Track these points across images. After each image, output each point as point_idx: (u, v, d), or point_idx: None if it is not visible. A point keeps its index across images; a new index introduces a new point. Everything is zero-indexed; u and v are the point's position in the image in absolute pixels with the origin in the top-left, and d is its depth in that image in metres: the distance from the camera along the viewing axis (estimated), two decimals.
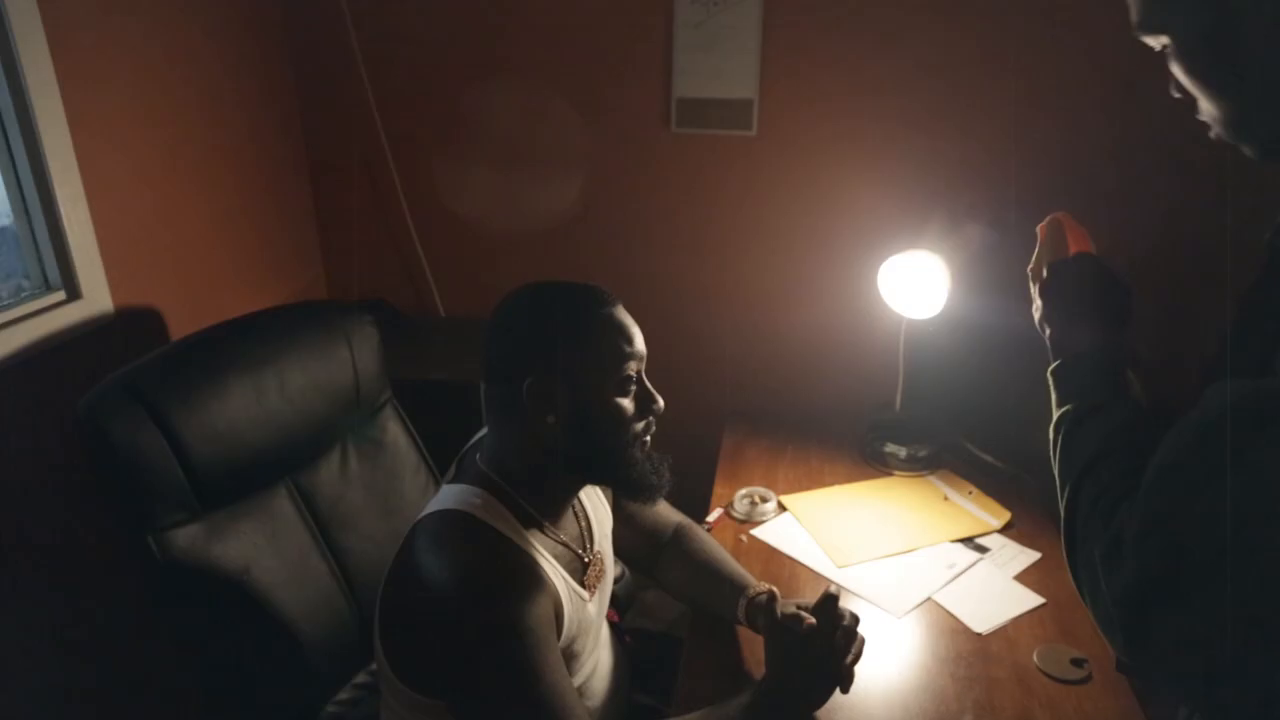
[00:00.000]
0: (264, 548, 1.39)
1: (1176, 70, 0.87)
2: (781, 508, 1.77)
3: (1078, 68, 1.89)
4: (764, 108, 2.05)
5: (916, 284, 1.80)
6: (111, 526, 1.33)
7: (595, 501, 1.38)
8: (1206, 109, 0.87)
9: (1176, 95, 0.89)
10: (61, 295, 1.64)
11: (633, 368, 1.17)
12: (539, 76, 2.13)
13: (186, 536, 1.30)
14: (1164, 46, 0.87)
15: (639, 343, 1.19)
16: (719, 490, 1.84)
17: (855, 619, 1.24)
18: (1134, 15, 0.88)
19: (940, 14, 1.90)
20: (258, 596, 1.35)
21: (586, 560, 1.28)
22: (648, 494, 1.23)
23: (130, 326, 1.75)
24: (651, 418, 1.21)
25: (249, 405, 1.38)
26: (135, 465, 1.25)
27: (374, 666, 1.49)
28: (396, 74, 2.18)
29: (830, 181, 2.07)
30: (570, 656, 1.20)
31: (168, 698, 1.75)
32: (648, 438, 1.22)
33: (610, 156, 2.16)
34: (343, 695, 1.48)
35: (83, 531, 1.62)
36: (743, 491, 1.80)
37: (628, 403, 1.17)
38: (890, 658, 1.38)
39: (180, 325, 1.85)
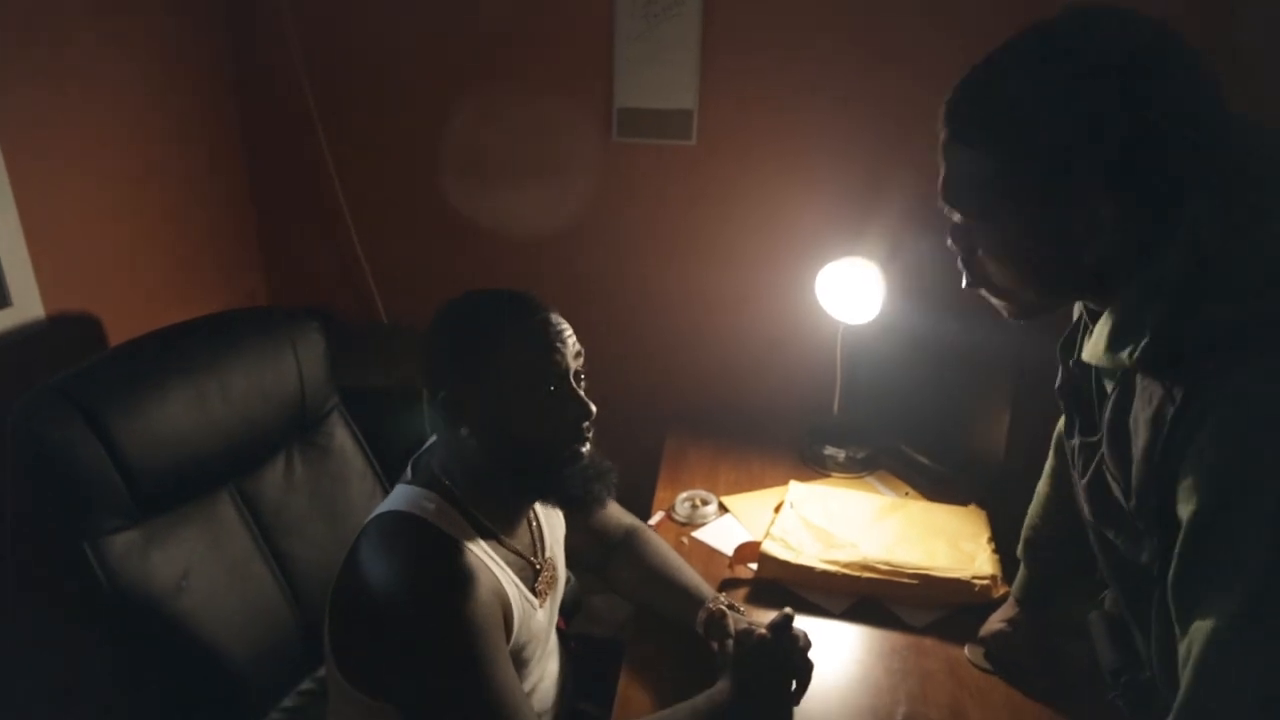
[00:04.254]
0: (205, 555, 1.38)
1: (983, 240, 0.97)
2: (723, 509, 1.80)
3: None
4: (703, 118, 2.09)
5: (853, 290, 1.85)
6: (44, 538, 1.31)
7: (548, 509, 1.39)
8: (1000, 280, 0.98)
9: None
10: None
11: (555, 377, 1.15)
12: (482, 85, 2.14)
13: (124, 544, 1.28)
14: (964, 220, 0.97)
15: (566, 351, 1.16)
16: (661, 494, 1.87)
17: (808, 641, 1.28)
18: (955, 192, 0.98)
19: (875, 31, 1.95)
20: (198, 604, 1.33)
21: (538, 567, 1.29)
22: (579, 506, 1.23)
23: (64, 335, 1.71)
24: (585, 424, 1.18)
25: (190, 411, 1.36)
26: (70, 472, 1.23)
27: (320, 673, 1.49)
28: (339, 80, 2.18)
29: (769, 190, 2.11)
30: (519, 664, 1.21)
31: (104, 710, 1.71)
32: (583, 448, 1.20)
33: (552, 164, 2.18)
34: (287, 703, 1.47)
35: (13, 543, 1.58)
36: (684, 495, 1.83)
37: (552, 414, 1.15)
38: (828, 654, 1.41)
39: (117, 334, 1.82)
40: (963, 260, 1.00)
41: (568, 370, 1.17)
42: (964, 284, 1.01)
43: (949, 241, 1.00)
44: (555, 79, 2.11)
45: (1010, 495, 1.50)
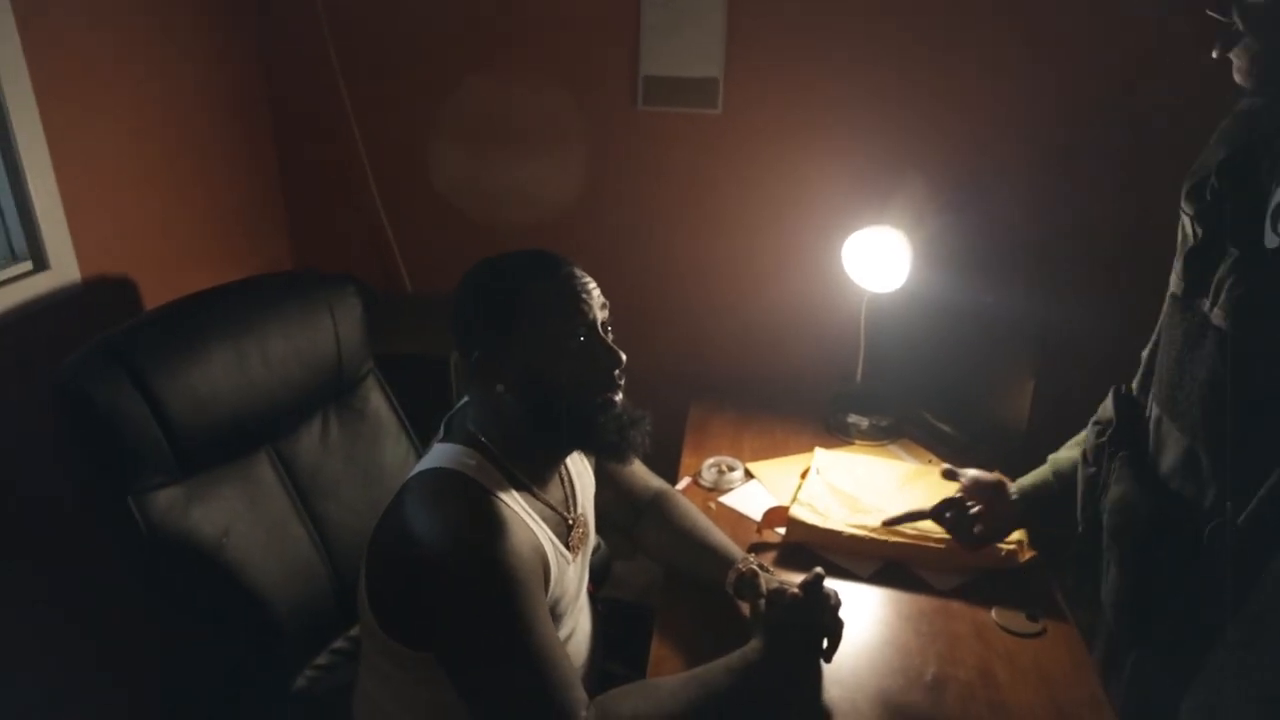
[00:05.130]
0: (243, 513, 1.40)
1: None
2: (748, 475, 1.82)
3: (1046, 42, 1.95)
4: (729, 86, 2.09)
5: (879, 259, 1.85)
6: (87, 494, 1.33)
7: (580, 466, 1.41)
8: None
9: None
10: (28, 266, 1.62)
11: (582, 329, 1.18)
12: (507, 52, 2.14)
13: (166, 499, 1.31)
14: None
15: (592, 302, 1.19)
16: (687, 460, 1.88)
17: (838, 600, 1.29)
18: None
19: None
20: (236, 561, 1.36)
21: (570, 522, 1.31)
22: (616, 453, 1.24)
23: (98, 298, 1.73)
24: (617, 372, 1.21)
25: (230, 372, 1.39)
26: (116, 428, 1.26)
27: (352, 633, 1.51)
28: (364, 47, 2.18)
29: (795, 159, 2.12)
30: (554, 618, 1.23)
31: (140, 662, 1.74)
32: (616, 396, 1.22)
33: (577, 132, 2.18)
34: (320, 660, 1.49)
35: (56, 499, 1.61)
36: (710, 460, 1.85)
37: (583, 363, 1.18)
38: (857, 616, 1.43)
39: (151, 297, 1.84)
40: None
41: (595, 320, 1.20)
42: (1215, 50, 0.94)
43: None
44: (580, 48, 2.11)
45: (1033, 463, 1.51)
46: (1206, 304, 0.94)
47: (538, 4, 2.10)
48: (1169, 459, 1.00)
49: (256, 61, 2.22)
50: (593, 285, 1.22)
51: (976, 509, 1.49)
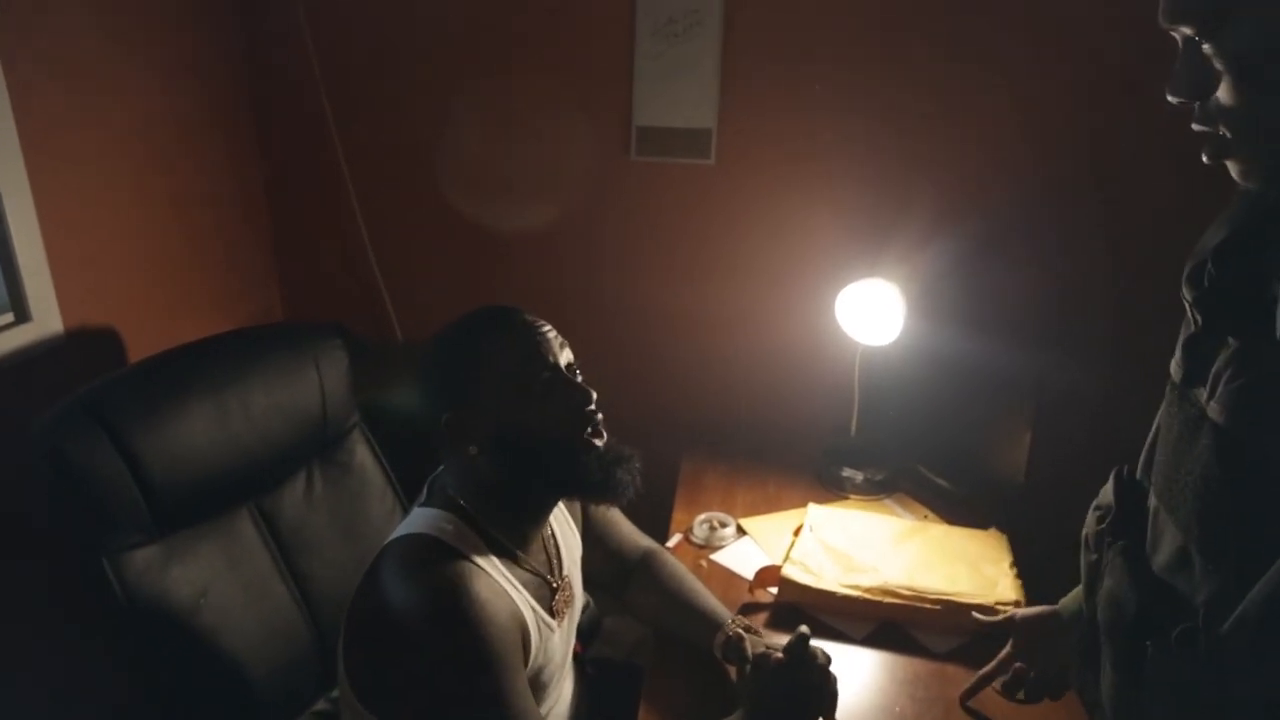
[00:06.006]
0: (223, 572, 1.37)
1: (1224, 66, 0.79)
2: (741, 531, 1.79)
3: (1040, 94, 1.95)
4: (722, 137, 2.09)
5: (872, 311, 1.84)
6: (64, 552, 1.30)
7: (565, 528, 1.38)
8: (1249, 106, 0.80)
9: (1174, 100, 0.84)
10: (10, 317, 1.60)
11: (545, 371, 1.17)
12: (501, 103, 2.15)
13: (143, 559, 1.29)
14: (1194, 36, 0.81)
15: (548, 344, 1.18)
16: (678, 516, 1.85)
17: (827, 658, 1.25)
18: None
19: (895, 52, 1.95)
20: (216, 621, 1.33)
21: (555, 586, 1.28)
22: (603, 494, 1.22)
23: (82, 350, 1.71)
24: (589, 409, 1.19)
25: (211, 427, 1.36)
26: (92, 487, 1.24)
27: (335, 693, 1.47)
28: (357, 98, 2.18)
29: (788, 210, 2.11)
30: (537, 688, 1.20)
31: None
32: (595, 435, 1.19)
33: (571, 183, 2.18)
34: None
35: (32, 556, 1.57)
36: (702, 517, 1.82)
37: (552, 405, 1.17)
38: (851, 680, 1.39)
39: (135, 349, 1.82)
40: (1197, 113, 0.84)
41: (556, 361, 1.19)
42: (1205, 156, 0.85)
43: (1171, 94, 0.84)
44: (575, 97, 2.12)
45: (1031, 518, 1.49)
46: (1204, 395, 0.89)
47: (532, 54, 2.10)
48: (1164, 553, 0.95)
49: (248, 109, 2.22)
50: (548, 328, 1.21)
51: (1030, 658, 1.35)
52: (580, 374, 1.22)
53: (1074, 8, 1.84)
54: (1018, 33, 1.88)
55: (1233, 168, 0.86)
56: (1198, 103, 0.83)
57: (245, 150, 2.23)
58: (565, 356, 1.21)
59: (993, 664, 1.36)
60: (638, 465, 1.23)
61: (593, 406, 1.19)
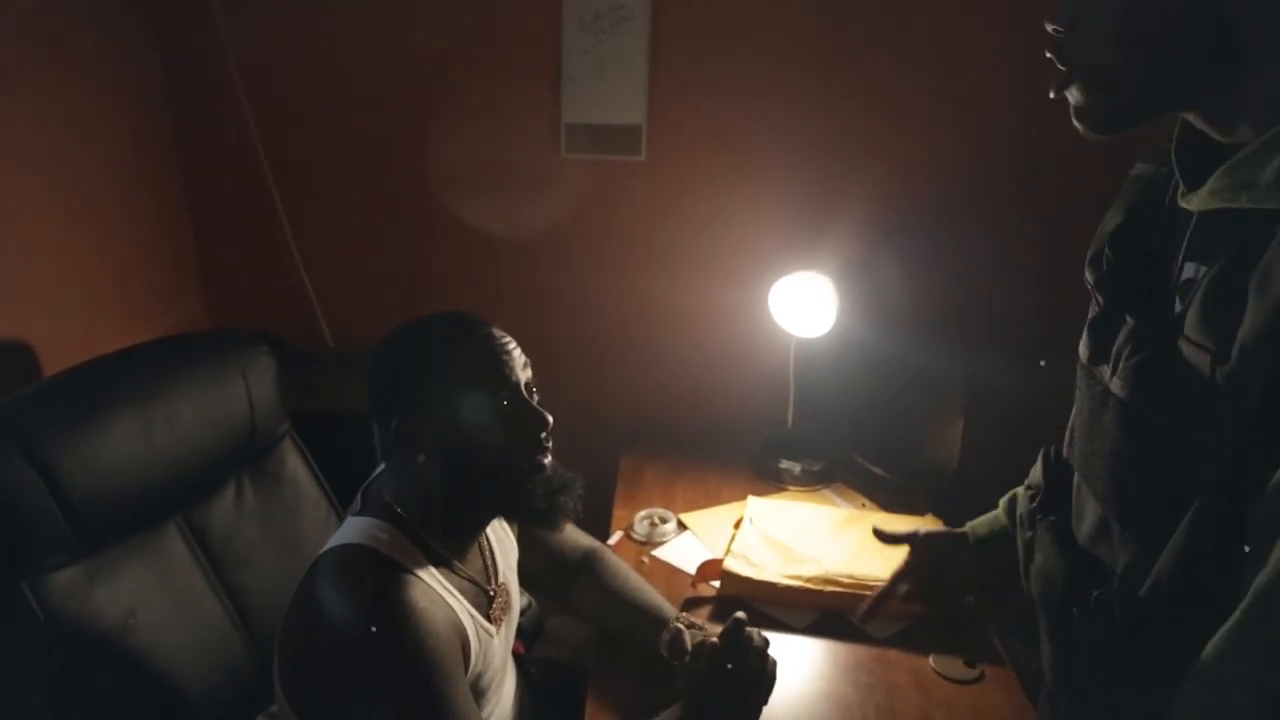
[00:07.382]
0: (152, 589, 1.33)
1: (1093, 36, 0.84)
2: (682, 526, 1.79)
3: (969, 99, 1.99)
4: (653, 133, 2.09)
5: (806, 304, 1.86)
6: None
7: (500, 534, 1.36)
8: (1100, 55, 0.84)
9: (1051, 27, 0.88)
10: None
11: (505, 392, 1.14)
12: (428, 102, 2.12)
13: (66, 580, 1.23)
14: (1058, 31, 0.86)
15: (514, 363, 1.16)
16: (619, 513, 1.85)
17: (765, 641, 1.24)
18: None
19: (824, 44, 1.97)
20: (146, 641, 1.28)
21: (491, 593, 1.26)
22: (546, 521, 1.20)
23: None
24: (543, 435, 1.17)
25: (135, 440, 1.31)
26: (7, 506, 1.18)
27: (273, 709, 1.44)
28: (279, 98, 2.13)
29: (721, 205, 2.12)
30: (477, 694, 1.19)
31: None
32: (544, 459, 1.18)
33: (501, 182, 2.16)
34: None
35: None
36: (642, 513, 1.81)
37: (509, 428, 1.14)
38: (794, 669, 1.41)
39: (51, 363, 1.75)
40: (1058, 43, 0.87)
41: (518, 382, 1.16)
42: (1053, 91, 0.89)
43: (1049, 24, 0.87)
44: (503, 95, 2.10)
45: (966, 503, 1.51)
46: (1107, 373, 0.93)
47: (459, 55, 2.08)
48: (1087, 525, 0.99)
49: (164, 115, 2.15)
50: (513, 345, 1.18)
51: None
52: (537, 395, 1.19)
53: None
54: (951, 24, 1.92)
55: (1072, 99, 0.89)
56: (1061, 34, 0.87)
57: (164, 156, 2.17)
58: (525, 376, 1.18)
59: (888, 581, 1.43)
60: (580, 491, 1.21)
61: (546, 433, 1.17)
